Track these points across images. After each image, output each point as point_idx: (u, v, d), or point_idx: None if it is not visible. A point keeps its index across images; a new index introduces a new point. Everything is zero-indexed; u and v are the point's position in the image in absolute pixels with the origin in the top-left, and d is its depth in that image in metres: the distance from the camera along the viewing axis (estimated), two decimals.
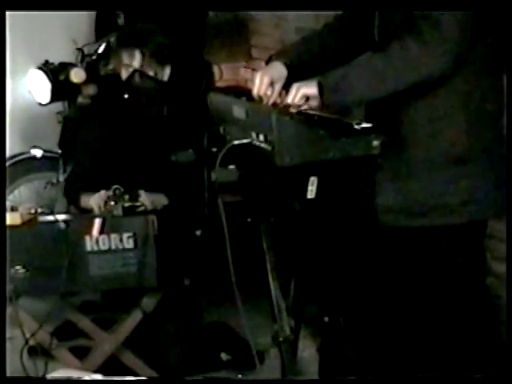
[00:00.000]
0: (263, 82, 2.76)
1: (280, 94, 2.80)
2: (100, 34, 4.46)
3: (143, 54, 3.53)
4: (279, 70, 2.83)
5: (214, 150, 2.84)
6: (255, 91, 2.77)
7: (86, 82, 4.09)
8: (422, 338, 2.89)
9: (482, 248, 2.84)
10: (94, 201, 3.33)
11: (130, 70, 3.53)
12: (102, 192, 3.32)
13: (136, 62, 3.52)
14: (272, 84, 2.78)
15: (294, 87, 2.66)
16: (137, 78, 3.54)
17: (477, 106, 2.64)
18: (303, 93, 2.63)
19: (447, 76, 2.58)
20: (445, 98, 2.62)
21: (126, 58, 3.55)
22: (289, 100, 2.66)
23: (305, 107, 2.68)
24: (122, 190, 3.25)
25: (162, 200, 3.47)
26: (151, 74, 3.56)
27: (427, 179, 2.67)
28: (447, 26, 2.50)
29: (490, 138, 2.67)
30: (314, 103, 2.66)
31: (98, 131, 3.67)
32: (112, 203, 3.23)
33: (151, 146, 3.60)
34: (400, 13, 2.63)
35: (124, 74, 3.56)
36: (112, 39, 3.85)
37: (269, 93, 2.78)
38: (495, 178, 2.67)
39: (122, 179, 3.40)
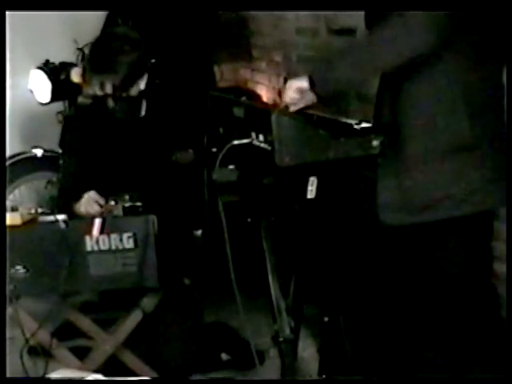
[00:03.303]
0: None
1: (279, 93, 2.81)
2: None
3: (115, 81, 3.47)
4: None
5: (214, 150, 2.85)
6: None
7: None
8: (425, 337, 2.88)
9: (489, 241, 2.81)
10: (83, 207, 3.34)
11: (103, 93, 3.50)
12: (91, 193, 3.34)
13: (108, 88, 3.48)
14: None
15: (287, 84, 2.68)
16: (110, 103, 3.51)
17: (478, 95, 2.62)
18: (296, 87, 2.66)
19: (444, 64, 2.57)
20: (445, 87, 2.61)
21: (96, 83, 3.48)
22: (286, 99, 2.68)
23: (302, 103, 2.69)
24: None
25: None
26: (124, 94, 3.52)
27: (432, 170, 2.64)
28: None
29: (492, 126, 2.65)
30: (309, 97, 2.68)
31: (88, 134, 3.66)
32: (112, 203, 3.24)
33: (143, 147, 3.60)
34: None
35: (98, 93, 3.52)
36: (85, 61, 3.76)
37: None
38: (500, 167, 2.65)
39: (118, 182, 3.41)
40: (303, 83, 2.67)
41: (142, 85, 3.54)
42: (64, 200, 3.55)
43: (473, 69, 2.61)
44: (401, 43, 2.53)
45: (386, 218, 2.75)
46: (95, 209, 3.32)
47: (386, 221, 2.75)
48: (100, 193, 3.37)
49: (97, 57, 3.53)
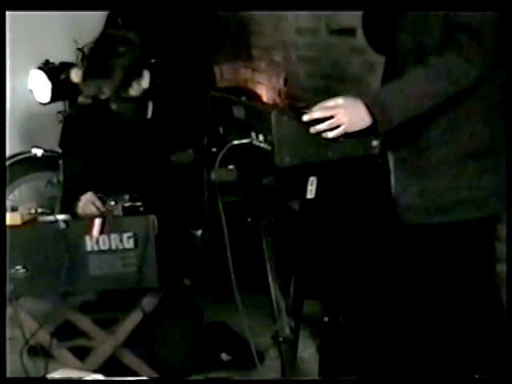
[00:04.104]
0: None
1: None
2: None
3: (110, 86, 3.43)
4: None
5: (214, 150, 2.85)
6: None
7: None
8: (431, 337, 2.88)
9: (493, 243, 2.83)
10: (81, 209, 3.34)
11: (104, 97, 3.48)
12: (88, 194, 3.34)
13: (108, 91, 3.46)
14: None
15: (354, 124, 2.60)
16: (113, 106, 3.50)
17: (495, 100, 2.65)
18: (359, 128, 2.60)
19: None
20: (466, 93, 2.62)
21: (94, 88, 3.45)
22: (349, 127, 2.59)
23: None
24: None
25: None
26: (125, 95, 3.50)
27: (450, 175, 2.67)
28: (487, 37, 2.52)
29: (508, 131, 2.66)
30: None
31: (89, 134, 3.65)
32: (112, 203, 3.24)
33: (144, 148, 3.60)
34: (437, 20, 2.62)
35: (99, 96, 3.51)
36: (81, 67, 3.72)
37: None
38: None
39: (118, 182, 3.40)
40: (365, 121, 2.58)
41: (145, 83, 3.53)
42: (67, 200, 3.55)
43: (492, 75, 2.62)
44: (462, 79, 2.57)
45: (406, 218, 2.75)
46: (92, 210, 3.32)
47: (406, 220, 2.75)
48: (100, 193, 3.37)
49: (92, 61, 3.51)
